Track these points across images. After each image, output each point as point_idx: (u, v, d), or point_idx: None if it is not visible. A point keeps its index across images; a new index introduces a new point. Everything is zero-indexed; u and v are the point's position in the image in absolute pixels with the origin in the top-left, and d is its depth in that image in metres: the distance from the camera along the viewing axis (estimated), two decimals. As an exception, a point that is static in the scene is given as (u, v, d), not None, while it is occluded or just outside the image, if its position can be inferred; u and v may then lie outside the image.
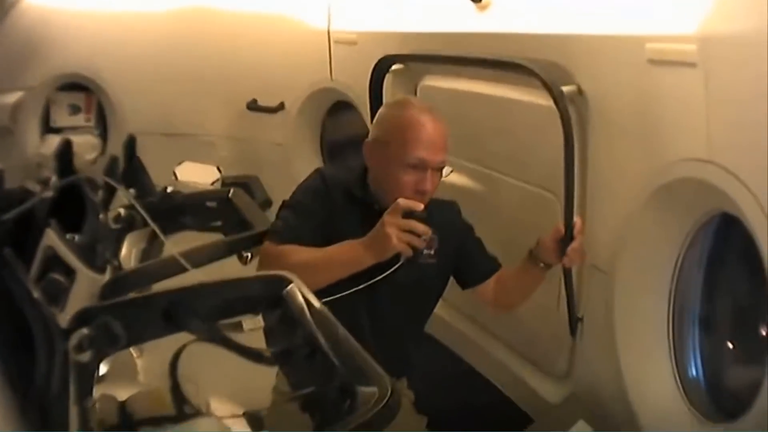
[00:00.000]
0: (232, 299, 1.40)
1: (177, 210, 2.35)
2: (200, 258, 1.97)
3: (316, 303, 1.38)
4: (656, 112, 1.87)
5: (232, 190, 2.48)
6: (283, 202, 2.23)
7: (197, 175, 3.80)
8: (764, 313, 1.84)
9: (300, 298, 1.39)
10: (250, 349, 1.36)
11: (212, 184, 3.76)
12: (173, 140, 3.91)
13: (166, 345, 1.34)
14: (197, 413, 1.27)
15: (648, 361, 2.06)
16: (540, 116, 2.24)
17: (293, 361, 1.35)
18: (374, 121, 2.27)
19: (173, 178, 3.69)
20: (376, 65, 2.94)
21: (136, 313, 1.35)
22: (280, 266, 1.77)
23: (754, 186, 1.57)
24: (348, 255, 2.03)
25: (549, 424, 2.21)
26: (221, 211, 2.42)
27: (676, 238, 1.99)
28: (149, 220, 1.88)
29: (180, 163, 3.78)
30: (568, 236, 2.08)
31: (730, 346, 2.06)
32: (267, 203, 3.39)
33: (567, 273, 2.15)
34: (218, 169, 3.86)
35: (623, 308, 2.07)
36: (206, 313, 1.34)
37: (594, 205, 2.17)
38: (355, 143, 3.83)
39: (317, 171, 2.30)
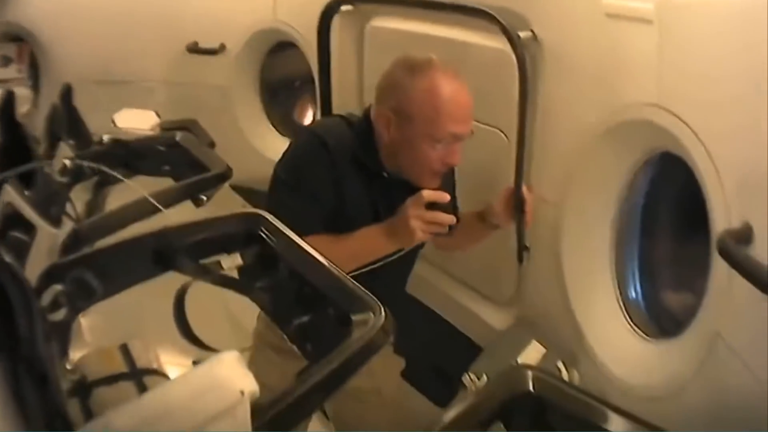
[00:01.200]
0: (211, 238, 1.40)
1: (125, 157, 2.23)
2: (159, 203, 1.84)
3: (294, 237, 1.41)
4: (611, 62, 1.98)
5: (179, 134, 2.40)
6: (281, 178, 2.07)
7: (136, 121, 3.74)
8: (698, 242, 1.95)
9: (276, 232, 1.42)
10: (241, 282, 1.40)
11: (151, 129, 3.72)
12: (111, 87, 3.79)
13: (109, 303, 1.31)
14: (150, 370, 1.20)
15: (592, 284, 2.20)
16: (494, 59, 2.32)
17: (280, 295, 1.39)
18: (386, 85, 2.05)
19: (112, 125, 3.64)
20: (325, 8, 2.93)
21: (114, 261, 1.33)
22: None
23: (698, 129, 1.70)
24: (370, 247, 2.02)
25: (502, 342, 2.33)
26: (171, 156, 2.31)
27: (622, 173, 2.12)
28: (107, 170, 1.87)
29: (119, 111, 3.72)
30: (518, 205, 2.15)
31: (667, 271, 2.20)
32: (211, 145, 3.38)
33: (517, 205, 2.23)
34: (157, 114, 3.81)
35: (570, 237, 2.21)
36: (188, 253, 1.35)
37: (545, 144, 2.28)
38: (294, 84, 3.87)
39: (314, 135, 2.08)
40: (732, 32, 1.60)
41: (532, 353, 2.16)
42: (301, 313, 1.35)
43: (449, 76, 1.98)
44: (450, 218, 1.96)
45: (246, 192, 3.52)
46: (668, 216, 2.18)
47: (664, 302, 2.18)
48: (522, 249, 2.34)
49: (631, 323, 2.13)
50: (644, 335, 2.09)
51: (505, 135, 2.36)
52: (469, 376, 2.07)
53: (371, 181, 2.08)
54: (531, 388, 1.39)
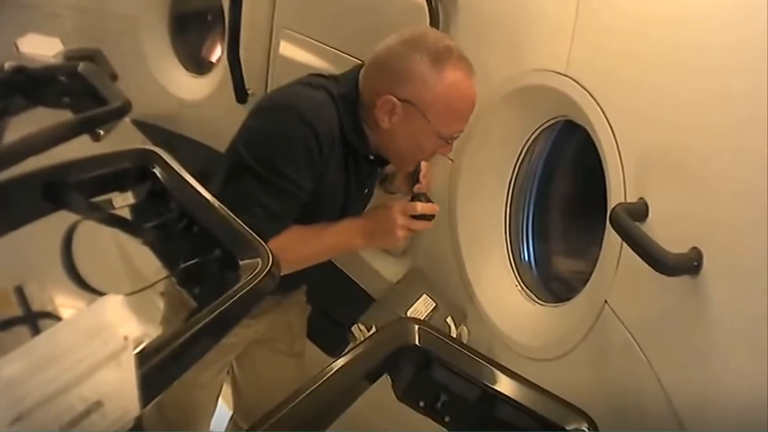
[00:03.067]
0: (103, 175, 1.32)
1: (25, 86, 2.06)
2: (51, 138, 1.73)
3: (187, 177, 1.34)
4: (525, 25, 1.94)
5: (81, 64, 2.19)
6: (254, 169, 1.76)
7: (40, 47, 3.55)
8: (594, 211, 1.97)
9: (170, 171, 1.35)
10: (131, 222, 1.33)
11: (53, 57, 3.54)
12: (17, 12, 3.57)
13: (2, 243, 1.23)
14: (45, 313, 1.16)
15: (485, 244, 2.20)
16: (407, 11, 2.24)
17: (169, 235, 1.32)
18: (400, 71, 1.80)
19: (15, 50, 3.45)
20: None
21: (2, 198, 1.25)
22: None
23: (603, 103, 1.71)
24: (346, 244, 1.92)
25: (393, 294, 2.31)
26: (71, 86, 2.12)
27: (523, 136, 2.10)
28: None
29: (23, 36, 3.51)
30: (414, 174, 2.06)
31: (560, 237, 2.22)
32: (113, 77, 3.23)
33: (413, 173, 2.15)
34: (62, 42, 3.62)
35: (465, 194, 2.19)
36: (79, 190, 1.27)
37: None
38: (206, 18, 3.66)
39: (301, 121, 1.76)
40: (651, 9, 1.57)
41: (421, 307, 2.16)
42: (190, 255, 1.29)
43: (467, 68, 1.81)
44: (431, 224, 1.91)
45: (148, 128, 3.38)
46: (565, 183, 2.18)
47: (556, 268, 2.19)
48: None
49: (522, 285, 2.13)
50: (535, 298, 2.10)
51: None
52: (359, 327, 2.05)
53: (353, 162, 1.91)
54: (417, 341, 1.40)
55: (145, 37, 3.61)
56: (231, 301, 1.12)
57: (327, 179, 1.83)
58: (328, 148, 1.79)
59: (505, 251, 2.18)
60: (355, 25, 2.41)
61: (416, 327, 1.44)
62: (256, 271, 1.18)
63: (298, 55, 2.57)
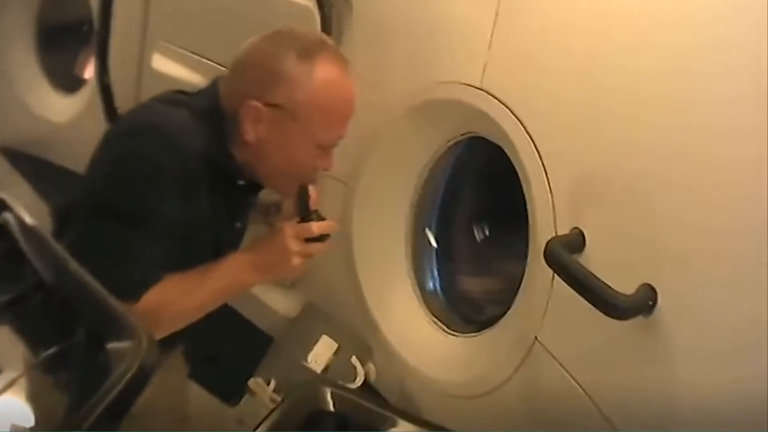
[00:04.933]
0: None
1: None
2: None
3: (42, 233, 1.02)
4: (431, 34, 1.65)
5: None
6: (108, 204, 1.36)
7: None
8: (503, 233, 1.76)
9: (23, 226, 1.02)
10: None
11: None
12: None
13: None
14: None
15: (386, 272, 1.90)
16: (297, 17, 1.88)
17: (26, 310, 0.98)
18: (265, 70, 1.43)
19: None
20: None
21: None
22: (163, 321, 1.37)
23: (527, 122, 1.43)
24: (237, 284, 1.50)
25: (292, 337, 1.94)
26: None
27: (424, 156, 1.83)
28: None
29: None
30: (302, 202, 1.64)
31: (466, 262, 1.95)
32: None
33: (301, 202, 1.74)
34: None
35: (362, 220, 1.88)
36: None
37: None
38: (81, 29, 3.17)
39: (160, 135, 1.39)
40: (581, 17, 1.32)
41: (323, 350, 1.81)
42: (52, 335, 1.00)
43: (341, 63, 1.46)
44: (329, 246, 1.53)
45: (16, 155, 2.87)
46: (470, 201, 1.93)
47: (464, 289, 1.94)
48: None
49: (431, 315, 1.85)
50: (446, 329, 1.83)
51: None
52: (257, 380, 1.67)
53: (221, 190, 1.49)
54: (331, 406, 1.21)
55: (8, 53, 3.02)
56: (105, 401, 0.87)
57: (193, 212, 1.43)
58: (194, 175, 1.41)
59: (409, 279, 1.90)
60: (236, 36, 1.98)
61: (328, 391, 1.23)
62: (128, 358, 0.90)
63: (173, 69, 2.18)
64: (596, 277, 1.18)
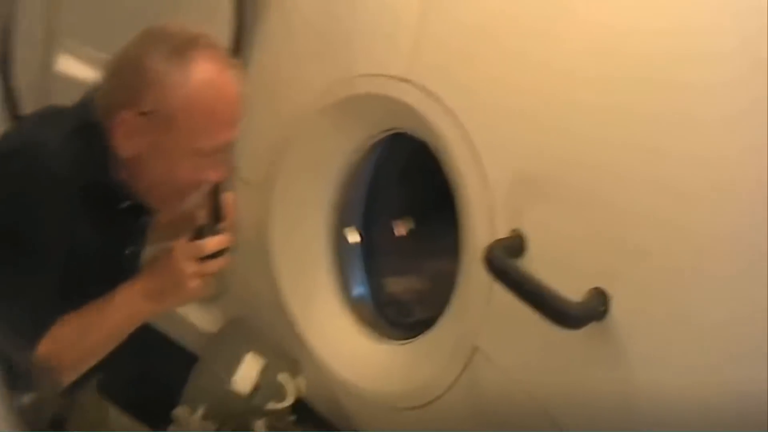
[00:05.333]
0: None
1: None
2: None
3: None
4: (353, 24, 1.50)
5: None
6: None
7: None
8: (432, 233, 1.67)
9: None
10: None
11: None
12: None
13: None
14: None
15: (308, 280, 1.75)
16: (205, 4, 1.74)
17: None
18: (132, 75, 1.25)
19: None
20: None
21: None
22: (66, 366, 1.21)
23: (462, 117, 1.31)
24: (133, 316, 1.31)
25: (215, 357, 1.78)
26: None
27: (344, 154, 1.69)
28: None
29: None
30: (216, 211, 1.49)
31: (392, 262, 1.83)
32: None
33: (215, 190, 1.63)
34: None
35: (279, 225, 1.73)
36: None
37: (254, 113, 1.71)
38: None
39: (31, 156, 1.22)
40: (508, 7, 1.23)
41: (249, 369, 1.67)
42: None
43: (220, 58, 1.28)
44: (227, 261, 1.35)
45: None
46: (395, 201, 1.81)
47: (393, 297, 1.82)
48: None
49: (360, 323, 1.72)
50: (378, 336, 1.70)
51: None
52: (182, 409, 1.53)
53: (104, 214, 1.33)
54: None
55: None
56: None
57: (74, 241, 1.28)
58: (66, 201, 1.25)
59: (334, 286, 1.76)
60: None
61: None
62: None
63: (81, 71, 1.97)
64: (543, 284, 1.10)
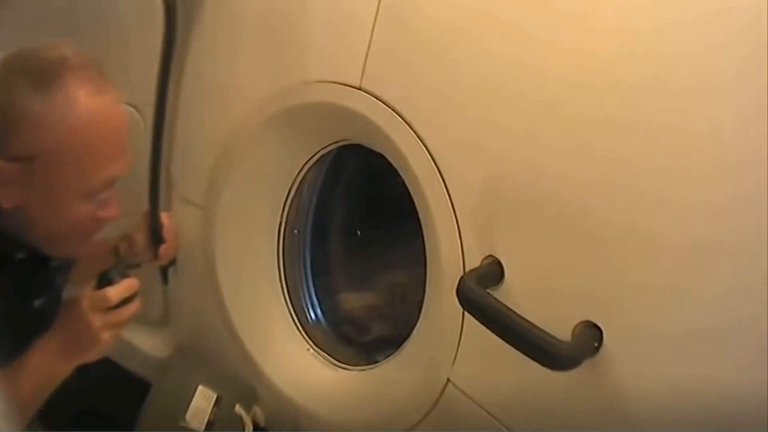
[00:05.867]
0: None
1: None
2: None
3: None
4: (299, 26, 1.34)
5: None
6: None
7: None
8: (387, 250, 1.57)
9: None
10: None
11: None
12: None
13: None
14: None
15: (260, 305, 1.61)
16: (134, 6, 1.55)
17: None
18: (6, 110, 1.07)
19: None
20: None
21: None
22: None
23: (421, 131, 1.18)
24: (52, 377, 1.17)
25: (166, 391, 1.61)
26: None
27: (292, 168, 1.53)
28: None
29: None
30: (155, 232, 1.44)
31: (345, 279, 1.70)
32: None
33: (152, 211, 1.47)
34: None
35: (225, 249, 1.57)
36: None
37: (193, 128, 1.58)
38: None
39: None
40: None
41: (202, 402, 1.53)
42: None
43: (93, 81, 1.10)
44: (138, 305, 1.22)
45: None
46: (346, 213, 1.67)
47: (344, 308, 1.69)
48: (165, 271, 1.62)
49: (315, 347, 1.58)
50: (335, 362, 1.56)
51: (141, 115, 1.61)
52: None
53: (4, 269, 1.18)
54: None
55: None
56: None
57: None
58: None
59: (285, 308, 1.62)
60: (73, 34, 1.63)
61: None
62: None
63: None
64: (528, 322, 0.98)
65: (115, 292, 1.16)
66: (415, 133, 1.16)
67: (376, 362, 1.48)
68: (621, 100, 0.94)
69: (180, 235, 1.54)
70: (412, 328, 1.52)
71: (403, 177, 1.25)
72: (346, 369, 1.52)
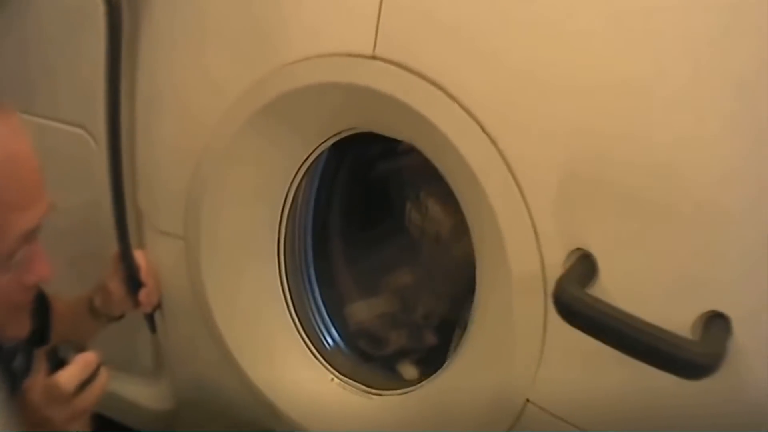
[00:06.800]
0: None
1: None
2: None
3: None
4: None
5: None
6: None
7: None
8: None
9: None
10: None
11: None
12: None
13: None
14: None
15: (265, 337, 1.35)
16: (69, 7, 1.26)
17: None
18: None
19: None
20: None
21: None
22: None
23: (453, 88, 0.93)
24: None
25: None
26: None
27: (284, 175, 1.30)
28: None
29: None
30: (131, 277, 1.23)
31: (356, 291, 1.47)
32: None
33: (123, 251, 1.24)
34: None
35: (215, 278, 1.30)
36: None
37: (154, 143, 1.31)
38: None
39: None
40: None
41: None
42: None
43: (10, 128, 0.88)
44: (103, 382, 0.99)
45: None
46: (345, 222, 1.43)
47: (357, 320, 1.45)
48: (151, 318, 1.36)
49: (341, 377, 1.34)
50: (369, 389, 1.32)
51: (93, 137, 1.33)
52: None
53: None
54: None
55: None
56: None
57: None
58: None
59: (298, 337, 1.37)
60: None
61: None
62: None
63: None
64: (652, 326, 0.79)
65: (68, 377, 0.94)
66: (465, 110, 0.91)
67: (404, 380, 1.28)
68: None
69: (160, 273, 1.30)
70: (445, 336, 1.33)
71: (441, 165, 1.03)
72: (381, 395, 1.29)
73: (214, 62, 1.16)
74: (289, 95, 1.11)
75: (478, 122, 0.91)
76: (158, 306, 1.32)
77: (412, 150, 1.11)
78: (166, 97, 1.24)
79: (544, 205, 0.90)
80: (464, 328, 1.16)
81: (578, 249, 0.88)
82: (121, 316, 1.27)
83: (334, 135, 1.20)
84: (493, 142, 0.91)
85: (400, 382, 1.31)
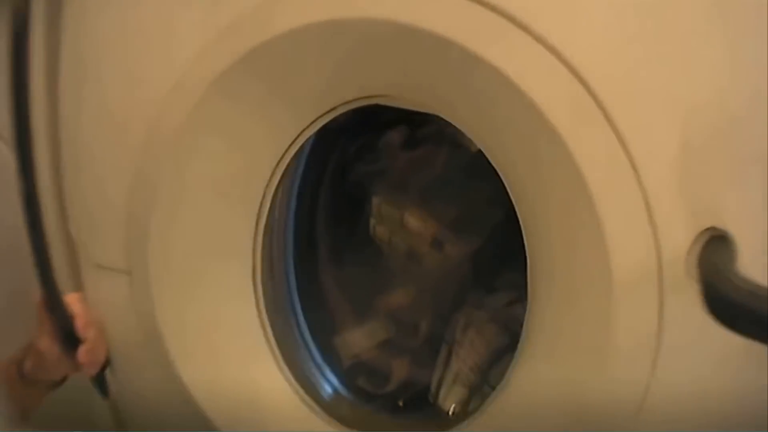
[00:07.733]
0: None
1: None
2: None
3: None
4: None
5: None
6: None
7: None
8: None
9: None
10: None
11: None
12: None
13: None
14: None
15: (246, 386, 1.04)
16: None
17: None
18: None
19: None
20: None
21: None
22: None
23: (532, 22, 0.69)
24: None
25: None
26: None
27: (259, 173, 0.98)
28: None
29: None
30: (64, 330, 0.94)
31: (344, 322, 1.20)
32: None
33: (49, 298, 0.94)
34: None
35: (174, 319, 1.00)
36: None
37: (82, 150, 0.99)
38: None
39: None
40: None
41: None
42: None
43: None
44: None
45: None
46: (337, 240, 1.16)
47: (363, 371, 1.17)
48: (100, 379, 1.05)
49: (342, 426, 1.05)
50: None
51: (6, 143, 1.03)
52: None
53: None
54: None
55: None
56: None
57: None
58: None
59: (287, 386, 1.06)
60: None
61: None
62: None
63: None
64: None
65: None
66: (556, 54, 0.66)
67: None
68: None
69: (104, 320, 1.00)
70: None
71: (489, 143, 0.76)
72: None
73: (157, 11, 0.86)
74: (262, 51, 0.80)
75: (573, 70, 0.66)
76: (107, 364, 1.01)
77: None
78: (90, 73, 0.93)
79: (664, 178, 0.66)
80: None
81: (712, 227, 0.65)
82: (63, 380, 0.97)
83: (332, 110, 0.89)
84: (596, 98, 0.65)
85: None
